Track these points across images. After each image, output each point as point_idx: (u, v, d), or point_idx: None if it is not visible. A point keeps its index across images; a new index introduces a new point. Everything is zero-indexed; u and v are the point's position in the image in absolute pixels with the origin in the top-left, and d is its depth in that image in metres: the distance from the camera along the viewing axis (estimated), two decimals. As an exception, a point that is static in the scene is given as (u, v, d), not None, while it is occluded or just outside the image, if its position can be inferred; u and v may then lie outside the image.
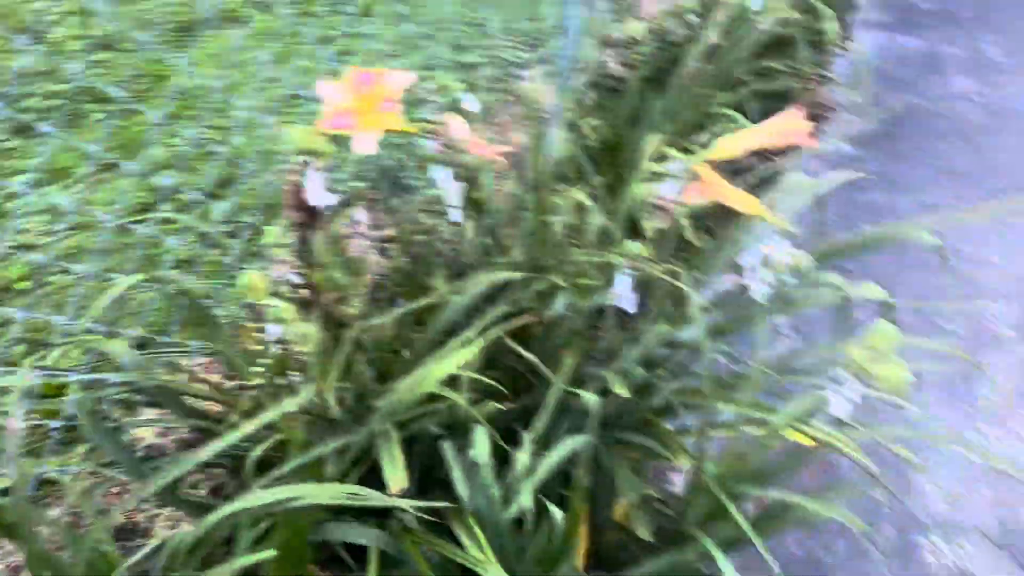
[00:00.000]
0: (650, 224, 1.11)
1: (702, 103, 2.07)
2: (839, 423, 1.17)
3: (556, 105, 2.04)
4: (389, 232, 1.81)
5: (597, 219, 1.18)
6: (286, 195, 1.05)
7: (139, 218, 1.70)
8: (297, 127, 1.00)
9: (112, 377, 1.11)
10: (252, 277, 0.89)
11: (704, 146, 1.11)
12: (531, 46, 2.76)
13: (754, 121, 2.55)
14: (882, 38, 3.36)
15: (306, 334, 0.93)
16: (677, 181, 1.08)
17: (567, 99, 2.06)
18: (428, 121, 1.16)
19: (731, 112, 2.23)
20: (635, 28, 1.90)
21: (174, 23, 2.75)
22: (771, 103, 2.73)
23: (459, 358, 1.01)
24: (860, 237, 1.19)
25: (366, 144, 1.01)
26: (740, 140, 1.04)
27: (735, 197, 1.07)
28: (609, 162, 2.20)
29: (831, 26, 2.63)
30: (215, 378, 1.62)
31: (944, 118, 2.91)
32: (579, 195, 1.17)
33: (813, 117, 2.90)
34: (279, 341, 0.92)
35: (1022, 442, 1.85)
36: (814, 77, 2.90)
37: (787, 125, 1.02)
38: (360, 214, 1.49)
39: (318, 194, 1.04)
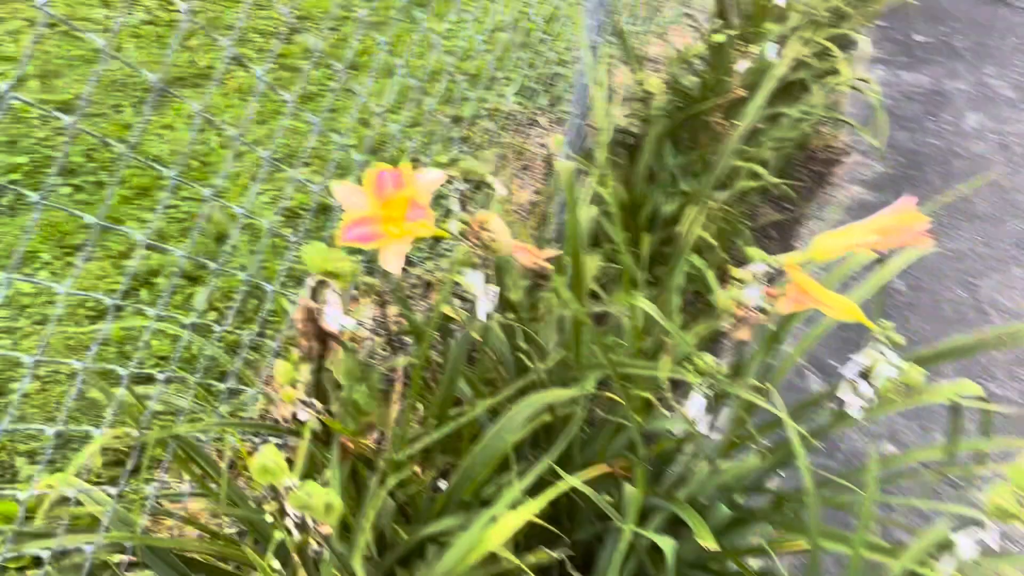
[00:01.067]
0: (733, 335, 0.94)
1: (723, 157, 1.92)
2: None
3: (577, 172, 1.87)
4: (397, 322, 1.62)
5: (658, 323, 1.01)
6: (300, 323, 0.87)
7: (122, 302, 1.50)
8: (314, 246, 0.82)
9: (89, 545, 0.91)
10: (268, 455, 0.69)
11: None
12: (529, 96, 2.60)
13: (774, 174, 2.41)
14: (884, 74, 3.25)
15: (330, 505, 0.74)
16: (759, 285, 0.91)
17: (584, 162, 1.90)
18: (452, 215, 0.98)
19: (753, 166, 2.08)
20: (652, 82, 1.74)
21: (141, 83, 2.56)
22: (786, 151, 2.59)
23: (519, 518, 0.82)
24: (967, 341, 1.02)
25: (394, 260, 0.83)
26: (843, 238, 0.88)
27: (833, 303, 0.90)
28: (627, 224, 2.04)
29: (845, 67, 2.50)
30: (199, 507, 1.41)
31: (959, 157, 2.79)
32: (642, 302, 1.00)
33: (827, 162, 2.76)
34: (300, 526, 0.73)
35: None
36: (824, 119, 2.77)
37: (901, 220, 0.85)
38: (368, 310, 1.31)
39: (336, 318, 0.85)
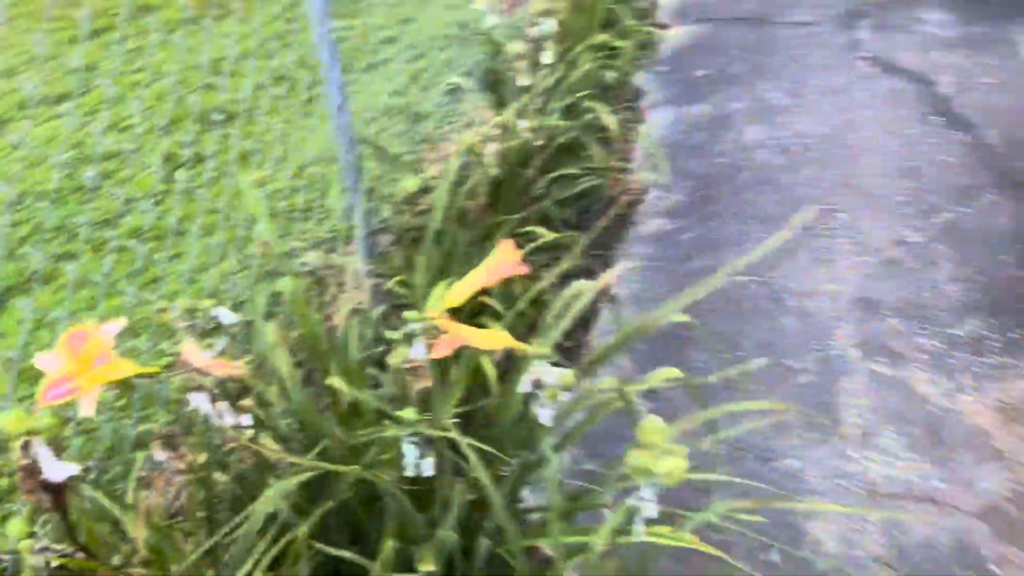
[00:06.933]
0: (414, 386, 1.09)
1: (499, 231, 2.12)
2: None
3: (363, 272, 2.05)
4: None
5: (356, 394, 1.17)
6: (21, 481, 0.99)
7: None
8: (7, 413, 0.95)
9: None
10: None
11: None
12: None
13: (570, 227, 2.63)
14: (672, 113, 3.56)
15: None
16: (422, 339, 1.08)
17: (373, 264, 2.08)
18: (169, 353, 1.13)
19: (536, 228, 2.28)
20: (412, 183, 1.95)
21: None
22: (583, 204, 2.83)
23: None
24: (622, 332, 1.20)
25: (87, 405, 0.97)
26: (465, 285, 1.05)
27: (482, 338, 1.07)
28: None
29: (611, 120, 2.78)
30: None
31: (745, 169, 3.07)
32: (337, 381, 1.15)
33: (628, 203, 3.01)
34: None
35: (892, 456, 1.86)
36: (616, 167, 3.03)
37: (500, 259, 1.03)
38: (159, 454, 1.42)
39: (55, 468, 0.98)
